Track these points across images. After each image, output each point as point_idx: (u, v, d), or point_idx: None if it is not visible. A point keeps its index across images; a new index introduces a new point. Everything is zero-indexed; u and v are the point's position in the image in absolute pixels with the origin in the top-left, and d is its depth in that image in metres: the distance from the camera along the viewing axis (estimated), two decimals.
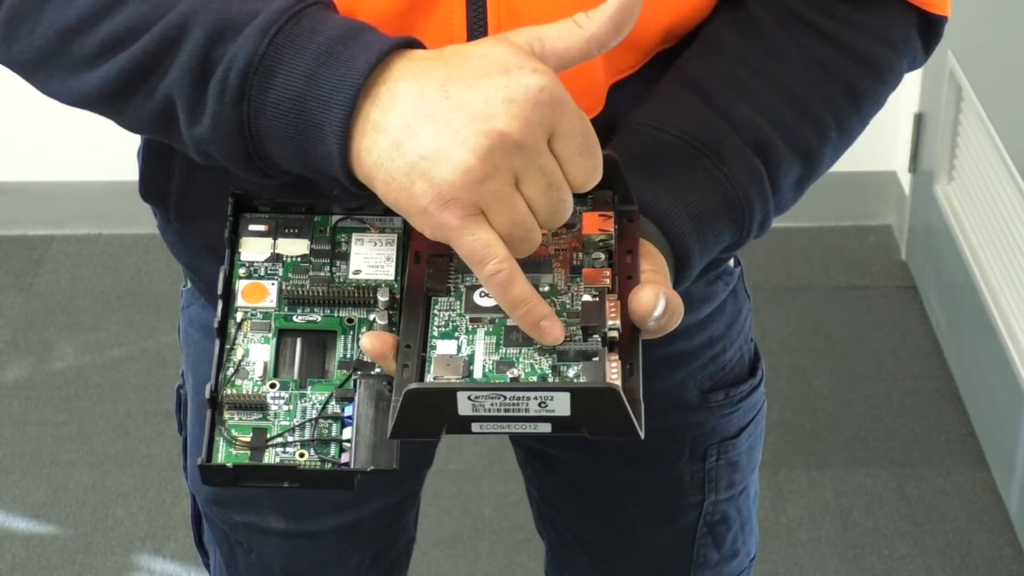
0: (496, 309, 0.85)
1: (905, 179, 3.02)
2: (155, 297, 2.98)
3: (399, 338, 0.85)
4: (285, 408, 0.87)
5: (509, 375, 0.82)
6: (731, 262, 1.20)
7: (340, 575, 1.32)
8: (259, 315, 0.89)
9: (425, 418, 0.80)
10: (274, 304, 0.89)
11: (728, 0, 1.02)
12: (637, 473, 1.24)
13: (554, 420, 0.81)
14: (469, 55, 0.82)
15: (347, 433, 0.86)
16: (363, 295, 0.89)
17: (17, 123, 3.07)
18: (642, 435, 0.82)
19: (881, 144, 2.98)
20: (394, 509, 1.32)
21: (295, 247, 0.91)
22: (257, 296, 0.90)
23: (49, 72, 0.91)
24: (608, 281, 0.86)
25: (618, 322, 0.84)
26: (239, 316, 0.89)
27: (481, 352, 0.84)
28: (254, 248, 0.91)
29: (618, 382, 0.81)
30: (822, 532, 2.41)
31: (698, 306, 1.17)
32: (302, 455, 0.85)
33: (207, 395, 0.86)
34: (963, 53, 2.60)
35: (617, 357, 0.83)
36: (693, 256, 0.94)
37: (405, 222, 0.88)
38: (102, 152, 2.99)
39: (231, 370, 0.87)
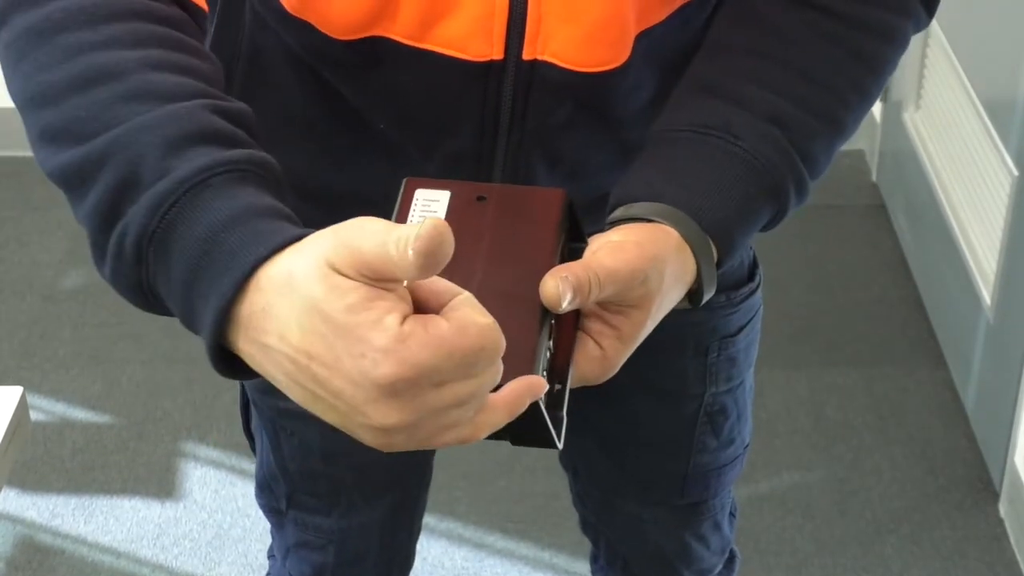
0: None
1: (877, 108, 3.01)
2: None
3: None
4: None
5: None
6: None
7: (374, 454, 1.27)
8: None
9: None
10: None
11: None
12: (645, 366, 1.17)
13: None
14: (324, 323, 0.67)
15: None
16: None
17: None
18: (560, 446, 0.80)
19: None
20: None
21: None
22: None
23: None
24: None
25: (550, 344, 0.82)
26: None
27: None
28: None
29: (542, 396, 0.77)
30: (797, 425, 2.40)
31: None
32: None
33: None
34: None
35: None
36: (733, 232, 0.88)
37: None
38: None
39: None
